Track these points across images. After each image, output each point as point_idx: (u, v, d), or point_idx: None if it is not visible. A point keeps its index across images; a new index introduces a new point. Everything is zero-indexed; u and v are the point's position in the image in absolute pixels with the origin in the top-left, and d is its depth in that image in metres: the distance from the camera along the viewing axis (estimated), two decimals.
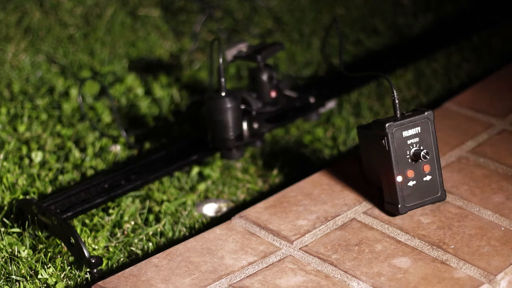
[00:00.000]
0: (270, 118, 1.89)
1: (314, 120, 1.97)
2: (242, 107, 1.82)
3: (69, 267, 1.61)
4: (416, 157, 1.60)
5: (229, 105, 1.76)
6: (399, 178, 1.60)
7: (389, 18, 2.55)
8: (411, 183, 1.61)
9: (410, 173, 1.60)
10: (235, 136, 1.79)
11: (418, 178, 1.61)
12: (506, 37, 2.42)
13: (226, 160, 1.89)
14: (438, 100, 2.15)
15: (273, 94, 1.89)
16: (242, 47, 1.90)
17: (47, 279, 1.58)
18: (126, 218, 1.74)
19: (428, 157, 1.59)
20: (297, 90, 1.99)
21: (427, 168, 1.61)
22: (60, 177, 1.85)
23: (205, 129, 1.84)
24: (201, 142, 1.87)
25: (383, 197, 1.64)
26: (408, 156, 1.60)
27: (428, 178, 1.62)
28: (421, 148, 1.60)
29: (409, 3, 2.63)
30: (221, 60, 1.77)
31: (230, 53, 1.89)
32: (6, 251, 1.64)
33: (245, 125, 1.83)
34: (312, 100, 1.96)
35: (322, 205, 1.68)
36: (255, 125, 1.85)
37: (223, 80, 1.77)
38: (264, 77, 1.87)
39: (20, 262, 1.61)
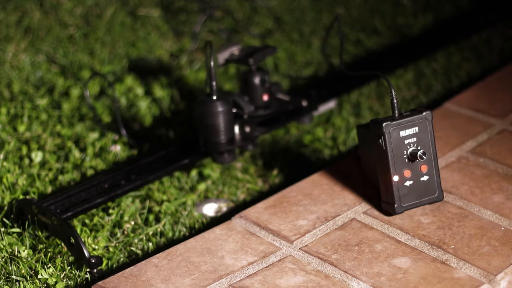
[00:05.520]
0: (262, 121, 1.88)
1: (307, 123, 1.96)
2: (234, 110, 1.81)
3: (69, 267, 1.61)
4: (413, 157, 1.60)
5: (220, 108, 1.74)
6: (395, 178, 1.60)
7: (389, 18, 2.55)
8: (408, 183, 1.61)
9: (407, 173, 1.60)
10: (227, 140, 1.77)
11: (415, 178, 1.61)
12: (506, 37, 2.42)
13: (217, 163, 1.88)
14: (438, 100, 2.15)
15: (265, 97, 1.87)
16: (235, 50, 1.88)
17: (47, 279, 1.58)
18: (126, 218, 1.74)
19: (425, 157, 1.59)
20: (290, 93, 1.98)
21: (424, 168, 1.61)
22: (60, 177, 1.85)
23: (196, 133, 1.83)
24: (193, 145, 1.85)
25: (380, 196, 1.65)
26: (405, 156, 1.60)
27: (425, 178, 1.62)
28: (418, 148, 1.60)
29: (409, 3, 2.63)
30: (212, 64, 1.75)
31: (222, 56, 1.87)
32: (6, 251, 1.64)
33: (236, 129, 1.82)
34: (304, 103, 1.95)
35: (322, 205, 1.68)
36: (247, 129, 1.84)
37: (214, 83, 1.75)
38: (256, 80, 1.85)
39: (20, 262, 1.61)
